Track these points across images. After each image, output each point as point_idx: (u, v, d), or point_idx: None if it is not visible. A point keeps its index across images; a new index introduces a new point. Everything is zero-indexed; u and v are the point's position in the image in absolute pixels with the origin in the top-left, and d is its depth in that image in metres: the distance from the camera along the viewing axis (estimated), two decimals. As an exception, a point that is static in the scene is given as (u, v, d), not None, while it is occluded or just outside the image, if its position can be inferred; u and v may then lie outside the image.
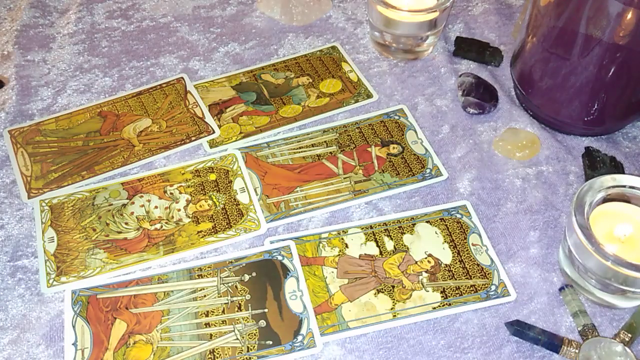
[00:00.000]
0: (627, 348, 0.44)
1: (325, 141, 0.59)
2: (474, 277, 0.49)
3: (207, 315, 0.47)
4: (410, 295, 0.48)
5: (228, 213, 0.53)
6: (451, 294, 0.48)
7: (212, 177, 0.56)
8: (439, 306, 0.47)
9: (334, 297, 0.48)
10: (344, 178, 0.56)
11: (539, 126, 0.61)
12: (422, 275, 0.49)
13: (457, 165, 0.58)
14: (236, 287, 0.48)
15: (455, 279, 0.49)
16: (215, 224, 0.53)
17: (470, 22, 0.73)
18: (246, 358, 0.45)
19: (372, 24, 0.67)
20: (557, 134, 0.61)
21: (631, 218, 0.48)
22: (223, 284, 0.49)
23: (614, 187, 0.48)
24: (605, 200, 0.48)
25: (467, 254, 0.51)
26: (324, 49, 0.69)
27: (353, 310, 0.47)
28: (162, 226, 0.53)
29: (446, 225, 0.53)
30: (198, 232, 0.52)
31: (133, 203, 0.54)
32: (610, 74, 0.53)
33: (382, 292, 0.48)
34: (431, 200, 0.55)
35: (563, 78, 0.56)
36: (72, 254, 0.51)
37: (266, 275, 0.49)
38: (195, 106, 0.62)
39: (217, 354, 0.45)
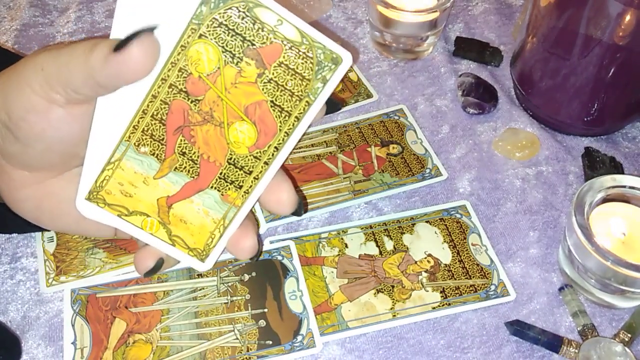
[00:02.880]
0: (626, 348, 0.44)
1: (324, 141, 0.59)
2: (473, 277, 0.49)
3: (206, 315, 0.47)
4: (410, 295, 0.48)
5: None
6: (451, 293, 0.48)
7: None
8: (439, 306, 0.47)
9: (333, 297, 0.48)
10: (344, 178, 0.56)
11: (539, 126, 0.61)
12: (421, 275, 0.49)
13: (456, 165, 0.58)
14: (236, 286, 0.48)
15: (455, 279, 0.49)
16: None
17: (470, 22, 0.73)
18: (246, 358, 0.45)
19: (372, 23, 0.67)
20: (556, 134, 0.61)
21: (631, 218, 0.48)
22: (223, 283, 0.49)
23: (613, 187, 0.48)
24: (605, 200, 0.48)
25: (467, 253, 0.51)
26: (324, 48, 0.69)
27: (353, 310, 0.47)
28: (161, 226, 0.53)
29: (446, 225, 0.53)
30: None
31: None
32: (610, 74, 0.53)
33: (382, 292, 0.48)
34: (431, 200, 0.55)
35: (563, 78, 0.56)
36: (71, 254, 0.50)
37: (266, 275, 0.49)
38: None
39: (217, 353, 0.45)
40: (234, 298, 0.48)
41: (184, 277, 0.49)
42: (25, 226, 0.35)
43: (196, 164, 0.30)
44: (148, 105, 0.29)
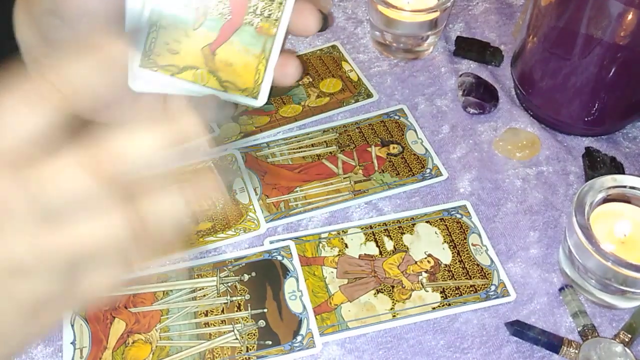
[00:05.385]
0: (626, 348, 0.44)
1: (325, 141, 0.59)
2: (473, 277, 0.49)
3: (206, 315, 0.47)
4: (410, 295, 0.48)
5: (227, 213, 0.53)
6: (451, 294, 0.48)
7: (212, 176, 0.56)
8: (439, 306, 0.47)
9: (333, 297, 0.48)
10: (344, 178, 0.56)
11: (539, 126, 0.61)
12: (421, 275, 0.49)
13: (457, 165, 0.58)
14: (235, 287, 0.48)
15: (455, 279, 0.49)
16: (214, 224, 0.53)
17: (470, 22, 0.72)
18: (245, 358, 0.44)
19: (373, 23, 0.67)
20: (557, 134, 0.61)
21: (631, 218, 0.48)
22: (222, 283, 0.48)
23: (614, 187, 0.48)
24: (606, 200, 0.48)
25: (467, 254, 0.51)
26: (324, 48, 0.69)
27: (352, 310, 0.47)
28: (161, 226, 0.52)
29: (446, 225, 0.53)
30: (197, 232, 0.52)
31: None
32: (611, 74, 0.53)
33: (382, 292, 0.48)
34: (431, 200, 0.55)
35: (563, 78, 0.56)
36: (71, 254, 0.50)
37: (266, 275, 0.49)
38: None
39: (217, 353, 0.45)
40: (234, 298, 0.48)
41: (184, 277, 0.49)
42: None
43: (226, 4, 0.32)
44: None
